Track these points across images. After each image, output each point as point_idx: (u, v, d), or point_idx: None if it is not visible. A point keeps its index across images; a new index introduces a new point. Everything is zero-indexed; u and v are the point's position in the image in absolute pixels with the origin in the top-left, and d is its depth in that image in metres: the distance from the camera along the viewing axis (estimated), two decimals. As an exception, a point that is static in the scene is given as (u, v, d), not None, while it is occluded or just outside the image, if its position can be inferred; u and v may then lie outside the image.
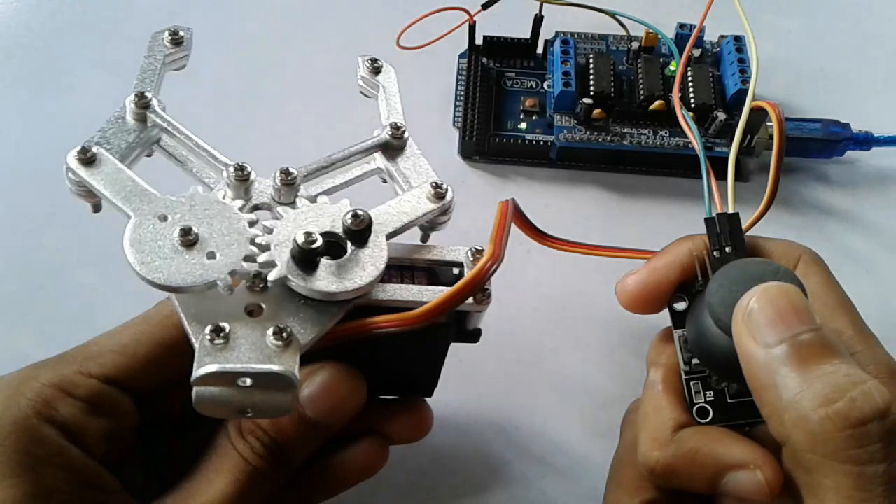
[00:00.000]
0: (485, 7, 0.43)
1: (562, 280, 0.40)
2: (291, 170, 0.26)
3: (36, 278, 0.39)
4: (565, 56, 0.44)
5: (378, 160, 0.28)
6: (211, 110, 0.43)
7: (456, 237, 0.27)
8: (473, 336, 0.28)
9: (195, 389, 0.22)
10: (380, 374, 0.28)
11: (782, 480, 0.24)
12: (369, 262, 0.24)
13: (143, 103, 0.26)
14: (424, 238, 0.28)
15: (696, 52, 0.45)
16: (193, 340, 0.23)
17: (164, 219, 0.23)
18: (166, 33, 0.28)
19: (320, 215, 0.25)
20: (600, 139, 0.42)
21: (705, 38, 0.46)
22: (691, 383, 0.28)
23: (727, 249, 0.28)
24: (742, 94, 0.42)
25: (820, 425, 0.21)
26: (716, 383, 0.28)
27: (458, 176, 0.43)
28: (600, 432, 0.35)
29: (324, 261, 0.24)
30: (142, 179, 0.24)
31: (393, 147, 0.28)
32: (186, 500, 0.25)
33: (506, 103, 0.45)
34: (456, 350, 0.28)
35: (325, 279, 0.24)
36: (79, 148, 0.25)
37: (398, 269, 0.26)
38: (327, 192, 0.27)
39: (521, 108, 0.44)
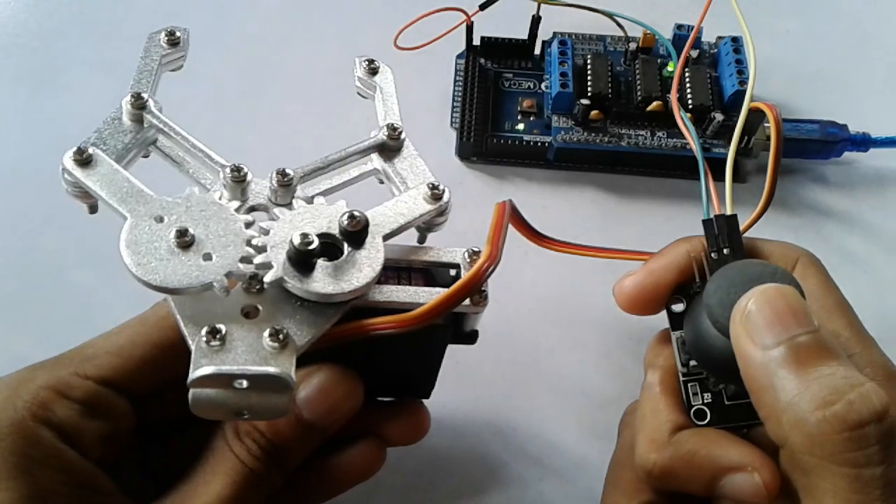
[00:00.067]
0: (482, 8, 0.43)
1: (559, 281, 0.39)
2: (288, 171, 0.26)
3: (33, 279, 0.38)
4: (563, 57, 0.44)
5: (375, 161, 0.28)
6: (208, 111, 0.43)
7: (453, 238, 0.27)
8: (470, 337, 0.28)
9: (192, 391, 0.22)
10: (377, 376, 0.28)
11: (780, 483, 0.24)
12: (366, 264, 0.24)
13: (139, 104, 0.26)
14: (421, 239, 0.28)
15: (694, 53, 0.45)
16: (190, 342, 0.23)
17: (161, 220, 0.23)
18: (163, 34, 0.28)
19: (317, 216, 0.25)
20: (598, 140, 0.42)
21: (703, 39, 0.46)
22: (689, 385, 0.28)
23: (725, 251, 0.28)
24: (740, 95, 0.42)
25: (817, 427, 0.21)
26: (713, 385, 0.28)
27: (456, 177, 0.43)
28: (598, 433, 0.35)
29: (320, 262, 0.24)
30: (138, 180, 0.24)
31: (390, 148, 0.28)
32: (183, 502, 0.25)
33: (503, 104, 0.45)
34: (453, 351, 0.28)
35: (322, 281, 0.23)
36: (75, 149, 0.25)
37: (395, 271, 0.26)
38: (324, 194, 0.27)
39: (519, 108, 0.44)
